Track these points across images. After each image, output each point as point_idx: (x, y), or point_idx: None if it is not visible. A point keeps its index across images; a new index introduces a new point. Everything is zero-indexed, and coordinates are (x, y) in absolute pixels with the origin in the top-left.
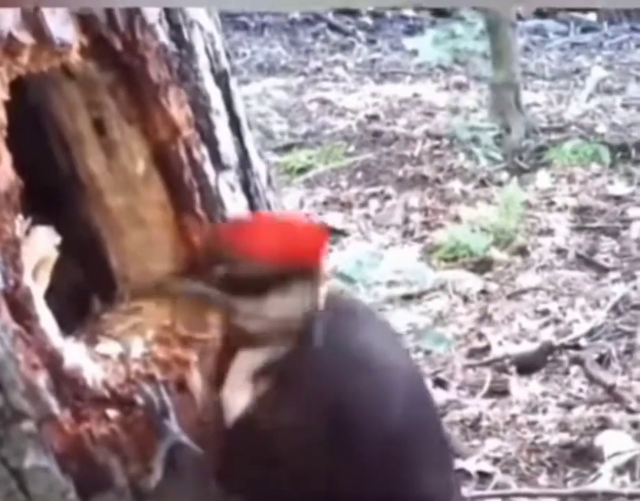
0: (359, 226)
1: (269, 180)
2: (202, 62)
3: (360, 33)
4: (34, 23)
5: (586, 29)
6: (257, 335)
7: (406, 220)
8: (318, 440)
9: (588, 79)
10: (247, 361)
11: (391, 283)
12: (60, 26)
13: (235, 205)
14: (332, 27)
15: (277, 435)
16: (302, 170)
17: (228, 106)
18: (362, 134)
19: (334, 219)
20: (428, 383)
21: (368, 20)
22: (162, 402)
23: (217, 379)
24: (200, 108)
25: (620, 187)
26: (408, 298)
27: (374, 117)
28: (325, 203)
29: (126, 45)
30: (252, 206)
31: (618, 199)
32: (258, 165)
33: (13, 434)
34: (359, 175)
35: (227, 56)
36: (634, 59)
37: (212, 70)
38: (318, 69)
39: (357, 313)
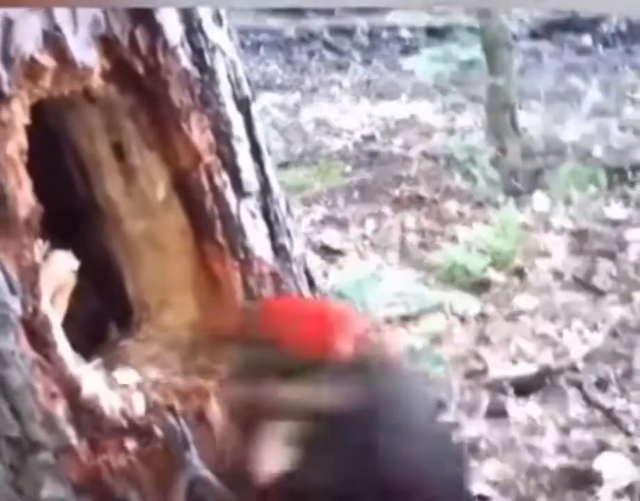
0: (356, 245)
1: (288, 207)
2: (224, 88)
3: (356, 53)
4: (56, 45)
5: (581, 51)
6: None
7: (403, 241)
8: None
9: (583, 102)
10: (280, 429)
11: (389, 304)
12: (82, 48)
13: (256, 233)
14: (328, 46)
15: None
16: (299, 189)
17: (249, 133)
18: (359, 154)
19: (331, 238)
20: None
21: (363, 40)
22: (183, 434)
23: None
24: (221, 134)
25: (617, 210)
26: (405, 318)
27: (370, 138)
28: (322, 221)
29: (148, 69)
30: (272, 233)
31: (615, 222)
32: (278, 192)
33: (30, 465)
34: (355, 194)
35: (248, 82)
36: (629, 82)
37: (234, 96)
38: (314, 89)
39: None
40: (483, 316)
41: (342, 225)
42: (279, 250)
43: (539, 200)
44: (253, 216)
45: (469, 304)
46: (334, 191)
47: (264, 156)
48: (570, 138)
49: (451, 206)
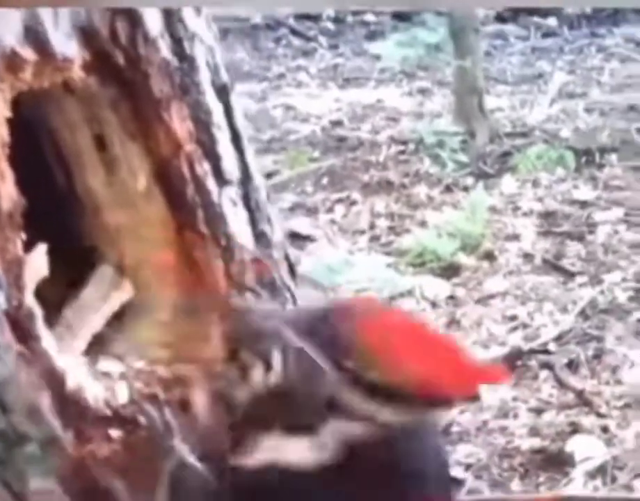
0: (325, 232)
1: (268, 195)
2: (204, 76)
3: (322, 38)
4: (37, 38)
5: (547, 34)
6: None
7: (372, 226)
8: None
9: (550, 84)
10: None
11: (360, 289)
12: (63, 40)
13: (237, 220)
14: (294, 32)
15: None
16: (267, 176)
17: (229, 121)
18: (327, 139)
19: (301, 224)
20: None
21: (329, 25)
22: (166, 422)
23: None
24: (201, 122)
25: (585, 191)
26: None
27: (338, 123)
28: (291, 209)
29: (128, 60)
30: (253, 220)
31: (583, 203)
32: (258, 179)
33: (16, 457)
34: (324, 180)
35: (226, 70)
36: (595, 64)
37: (213, 83)
38: (281, 75)
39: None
40: (453, 300)
41: (311, 211)
42: (260, 237)
43: (508, 182)
44: (234, 203)
45: (440, 288)
46: (302, 177)
47: (244, 144)
48: (537, 120)
49: (421, 190)
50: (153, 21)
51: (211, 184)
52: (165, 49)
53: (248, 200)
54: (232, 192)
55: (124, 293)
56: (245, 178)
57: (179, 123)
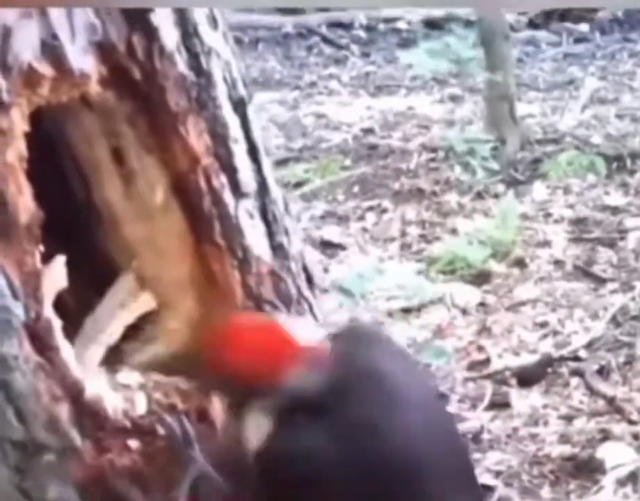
0: (356, 240)
1: (286, 206)
2: (220, 90)
3: (354, 47)
4: (54, 54)
5: (579, 40)
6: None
7: (403, 234)
8: (335, 472)
9: (582, 90)
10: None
11: (390, 297)
12: (80, 56)
13: (254, 232)
14: (326, 40)
15: (292, 465)
16: (298, 185)
17: (246, 134)
18: (358, 148)
19: (332, 233)
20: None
21: (361, 33)
22: (185, 432)
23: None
24: (218, 136)
25: (616, 198)
26: (407, 311)
27: (369, 131)
28: (322, 217)
29: (145, 74)
30: (270, 232)
31: (614, 209)
32: (276, 191)
33: (35, 467)
34: (355, 188)
35: (244, 83)
36: (627, 69)
37: (230, 98)
38: (313, 83)
39: (370, 344)
40: (484, 307)
41: (342, 219)
42: (277, 249)
43: (538, 189)
44: (251, 216)
45: (471, 295)
46: (334, 186)
47: (261, 157)
48: (568, 126)
49: (451, 198)
50: (169, 35)
51: (227, 196)
52: (181, 63)
53: (265, 213)
54: (249, 204)
55: (144, 304)
56: (262, 190)
57: (196, 137)
